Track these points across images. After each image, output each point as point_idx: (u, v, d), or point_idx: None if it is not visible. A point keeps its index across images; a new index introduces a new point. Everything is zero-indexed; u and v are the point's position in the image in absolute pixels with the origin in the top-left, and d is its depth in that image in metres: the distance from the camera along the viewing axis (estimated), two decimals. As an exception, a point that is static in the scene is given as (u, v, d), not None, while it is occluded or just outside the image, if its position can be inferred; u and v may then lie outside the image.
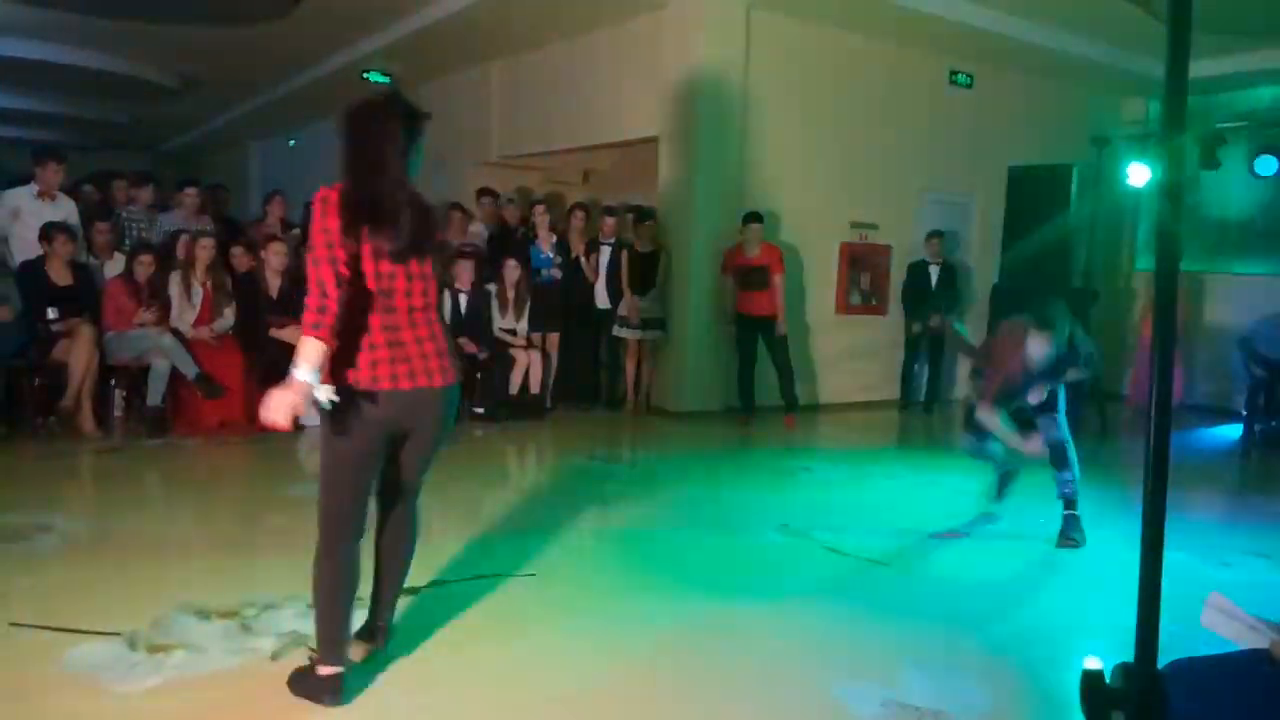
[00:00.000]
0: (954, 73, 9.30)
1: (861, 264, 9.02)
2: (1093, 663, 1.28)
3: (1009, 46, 8.73)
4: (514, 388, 7.58)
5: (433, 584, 3.63)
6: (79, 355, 6.06)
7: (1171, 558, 1.33)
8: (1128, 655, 1.27)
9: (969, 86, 9.41)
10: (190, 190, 7.83)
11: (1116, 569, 4.23)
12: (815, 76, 8.41)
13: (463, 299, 7.47)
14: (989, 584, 4.09)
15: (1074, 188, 8.07)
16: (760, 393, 7.91)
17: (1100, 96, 10.22)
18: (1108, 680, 1.22)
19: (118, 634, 3.03)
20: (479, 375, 7.50)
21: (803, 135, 8.38)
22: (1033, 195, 8.28)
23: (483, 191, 8.96)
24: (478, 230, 8.55)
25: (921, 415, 8.90)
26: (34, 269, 6.28)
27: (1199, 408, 9.62)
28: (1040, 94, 9.80)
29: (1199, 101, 9.55)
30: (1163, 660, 1.30)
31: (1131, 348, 10.37)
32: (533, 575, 3.82)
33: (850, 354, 8.98)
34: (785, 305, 7.69)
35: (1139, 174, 8.19)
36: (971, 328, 9.72)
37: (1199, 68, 8.08)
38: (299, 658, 2.92)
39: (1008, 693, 2.96)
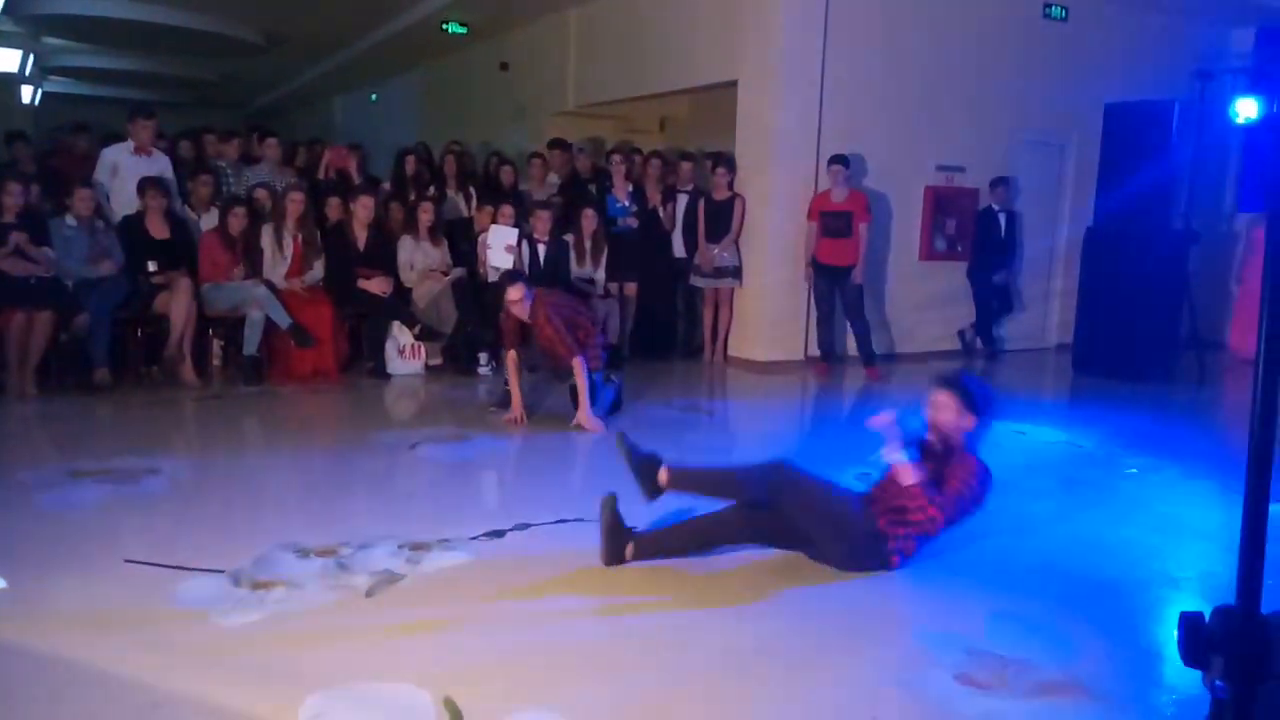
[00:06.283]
0: (1048, 5, 8.87)
1: (947, 209, 8.76)
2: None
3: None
4: (592, 337, 7.64)
5: (517, 526, 3.72)
6: (178, 307, 6.29)
7: (1273, 509, 1.28)
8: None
9: (1064, 20, 8.98)
10: (271, 141, 8.00)
11: (1212, 522, 4.10)
12: (899, 12, 8.11)
13: (541, 249, 7.52)
14: (1078, 534, 4.01)
15: (1175, 126, 7.69)
16: (842, 342, 7.81)
17: (1205, 28, 9.65)
18: (1207, 623, 1.19)
19: (222, 571, 3.19)
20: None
21: (886, 74, 8.10)
22: (1131, 134, 7.89)
23: (553, 143, 8.97)
24: (553, 180, 8.59)
25: (1009, 364, 8.69)
26: (133, 224, 6.53)
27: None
28: (1140, 26, 9.27)
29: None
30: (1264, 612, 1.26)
31: (1233, 294, 9.90)
32: (614, 520, 3.87)
33: (934, 302, 8.77)
34: (866, 255, 7.53)
35: (1246, 109, 7.75)
36: (1056, 273, 9.45)
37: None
38: (393, 594, 3.04)
39: (1096, 642, 2.91)
